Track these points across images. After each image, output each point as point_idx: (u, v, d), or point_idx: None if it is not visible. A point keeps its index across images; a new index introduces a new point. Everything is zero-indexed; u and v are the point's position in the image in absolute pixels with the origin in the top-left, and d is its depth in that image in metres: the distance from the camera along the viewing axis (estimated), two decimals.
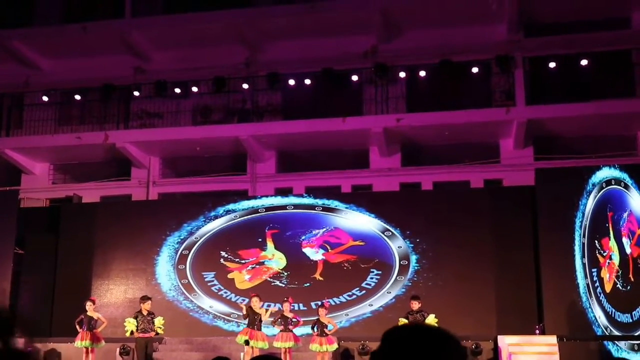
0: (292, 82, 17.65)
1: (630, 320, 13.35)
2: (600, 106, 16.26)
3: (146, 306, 13.34)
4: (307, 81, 17.58)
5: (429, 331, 2.07)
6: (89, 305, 13.50)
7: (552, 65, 16.72)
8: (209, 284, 15.59)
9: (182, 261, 15.80)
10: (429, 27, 17.38)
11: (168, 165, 19.06)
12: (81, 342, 13.22)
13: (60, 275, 16.06)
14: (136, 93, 18.38)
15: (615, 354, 12.87)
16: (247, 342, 12.44)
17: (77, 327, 13.32)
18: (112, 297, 15.79)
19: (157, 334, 13.34)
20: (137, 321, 13.15)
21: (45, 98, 18.57)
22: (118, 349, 14.35)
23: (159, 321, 13.36)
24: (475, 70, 17.08)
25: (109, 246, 16.06)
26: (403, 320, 12.46)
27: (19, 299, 15.94)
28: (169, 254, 15.86)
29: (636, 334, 13.27)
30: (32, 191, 18.74)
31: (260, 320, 12.81)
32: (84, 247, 16.04)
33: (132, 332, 13.16)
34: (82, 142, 18.03)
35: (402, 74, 17.37)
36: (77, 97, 18.48)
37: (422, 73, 17.25)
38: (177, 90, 18.02)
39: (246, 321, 12.86)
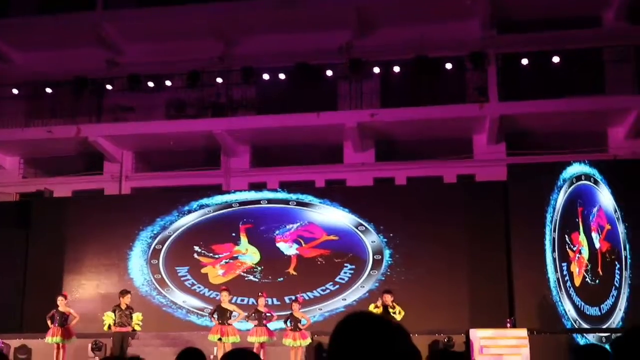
0: (266, 76, 17.61)
1: (599, 314, 13.57)
2: (572, 103, 16.46)
3: (125, 300, 13.25)
4: (282, 76, 17.55)
5: (387, 324, 2.08)
6: (60, 301, 13.36)
7: (524, 62, 16.89)
8: (182, 278, 15.53)
9: (155, 256, 15.71)
10: (403, 23, 17.46)
11: (141, 159, 18.92)
12: (52, 338, 13.08)
13: (31, 271, 15.88)
14: (109, 86, 18.19)
15: None
16: (219, 339, 12.46)
17: (49, 322, 13.18)
18: (84, 292, 15.66)
19: (134, 329, 13.24)
20: (114, 315, 13.06)
21: (15, 91, 18.30)
22: (90, 345, 14.24)
23: (137, 317, 13.26)
24: (449, 66, 17.19)
25: (81, 241, 15.91)
26: (373, 306, 12.56)
27: None
28: (142, 249, 15.76)
29: (604, 327, 13.50)
30: (1, 185, 18.47)
31: (231, 315, 12.79)
32: (55, 242, 15.88)
33: (109, 326, 13.05)
34: (53, 136, 17.81)
35: (377, 70, 17.42)
36: (49, 90, 18.23)
37: (397, 69, 17.34)
38: (151, 84, 17.87)
39: (216, 317, 12.86)
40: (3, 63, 18.82)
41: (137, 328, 13.31)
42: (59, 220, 16.13)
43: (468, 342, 13.18)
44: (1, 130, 18.23)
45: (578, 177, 14.18)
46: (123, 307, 13.22)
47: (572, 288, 13.63)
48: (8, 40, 18.59)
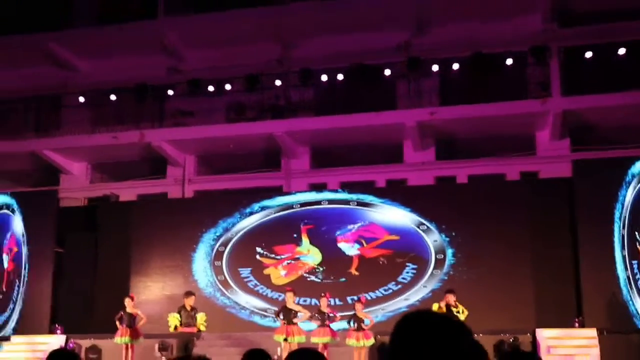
0: (324, 77, 17.66)
1: None
2: (637, 96, 15.93)
3: (189, 301, 13.47)
4: (340, 76, 17.57)
5: (449, 323, 2.02)
6: (127, 302, 13.70)
7: (588, 55, 16.45)
8: (245, 280, 15.70)
9: (219, 258, 15.93)
10: (461, 20, 17.24)
11: (203, 162, 19.23)
12: (121, 338, 13.42)
13: (99, 273, 16.33)
14: (170, 92, 18.56)
15: None
16: (285, 339, 12.55)
17: (117, 323, 13.52)
18: (150, 294, 16.00)
19: (199, 330, 13.45)
20: (180, 316, 13.29)
21: (81, 99, 18.86)
22: (157, 345, 14.52)
23: (201, 317, 13.47)
24: (509, 61, 16.88)
25: (146, 244, 16.27)
26: (436, 305, 12.43)
27: (60, 296, 16.23)
28: (206, 251, 16.00)
29: None
30: (70, 191, 19.06)
31: (296, 315, 12.87)
32: (122, 245, 16.28)
33: (175, 327, 13.29)
34: (118, 142, 18.27)
35: (435, 68, 17.25)
36: (113, 97, 18.72)
37: (456, 66, 17.11)
38: (211, 89, 18.14)
39: (282, 317, 12.95)
40: (69, 72, 19.42)
41: (202, 328, 13.50)
42: (125, 224, 16.53)
43: (535, 342, 12.92)
44: (69, 137, 18.81)
45: None
46: (188, 308, 13.45)
47: None
48: (73, 49, 19.16)
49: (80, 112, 19.03)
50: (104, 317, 14.72)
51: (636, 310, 13.07)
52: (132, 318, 13.57)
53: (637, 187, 13.64)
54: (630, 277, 13.20)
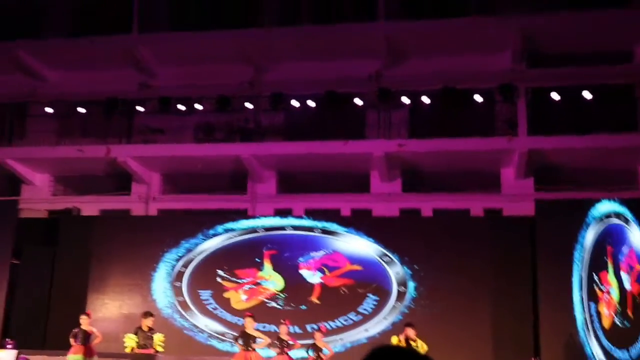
0: (295, 103, 17.71)
1: (628, 358, 13.27)
2: (602, 139, 16.28)
3: (147, 322, 13.25)
4: (311, 103, 17.64)
5: (418, 357, 2.04)
6: (83, 319, 13.44)
7: (555, 96, 16.79)
8: (204, 302, 15.53)
9: (179, 278, 15.75)
10: (433, 54, 17.49)
11: (169, 181, 19.07)
12: (74, 356, 13.14)
13: (55, 288, 16.01)
14: (140, 108, 18.41)
15: None
16: None
17: (72, 340, 13.24)
18: (107, 311, 15.72)
19: (156, 351, 13.23)
20: (137, 337, 13.07)
21: (49, 109, 18.60)
22: None
23: (158, 338, 13.24)
24: (478, 98, 17.15)
25: (106, 260, 16.01)
26: (396, 339, 12.43)
27: (14, 309, 15.84)
28: (166, 271, 15.81)
29: None
30: (31, 202, 18.70)
31: (255, 340, 12.76)
32: (81, 260, 16.00)
33: (132, 349, 13.06)
34: (83, 155, 18.02)
35: (406, 100, 17.43)
36: (81, 109, 18.51)
37: (425, 99, 17.31)
38: (181, 107, 18.06)
39: (241, 342, 12.84)
40: (38, 82, 19.15)
41: (159, 349, 13.28)
42: (85, 239, 16.27)
43: None
44: (33, 148, 18.51)
45: (608, 215, 13.99)
46: (145, 329, 13.23)
47: (600, 329, 13.36)
48: (43, 59, 18.94)
49: (47, 123, 18.75)
50: (58, 333, 14.45)
51: (592, 352, 13.23)
52: (87, 335, 13.31)
53: (596, 230, 13.89)
54: (587, 320, 13.37)
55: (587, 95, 16.63)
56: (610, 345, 13.30)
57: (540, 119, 17.31)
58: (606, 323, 13.42)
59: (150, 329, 13.29)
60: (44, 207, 18.76)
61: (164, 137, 18.46)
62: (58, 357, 14.09)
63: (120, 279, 15.94)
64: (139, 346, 13.04)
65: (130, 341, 13.13)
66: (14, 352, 14.39)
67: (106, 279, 15.97)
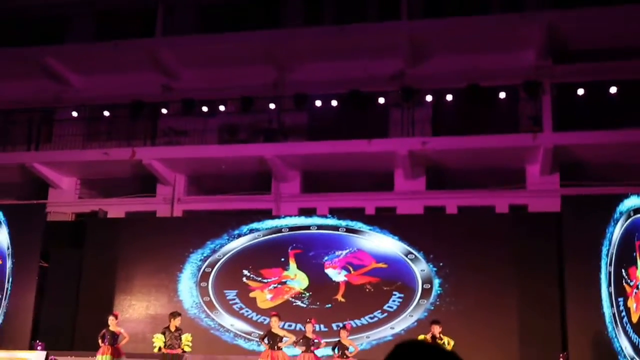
0: (318, 103, 17.74)
1: None
2: (628, 134, 16.10)
3: (175, 322, 13.31)
4: (334, 102, 17.66)
5: (442, 353, 2.03)
6: (111, 320, 13.56)
7: (580, 92, 16.63)
8: (230, 302, 15.59)
9: (205, 279, 15.84)
10: (456, 52, 17.44)
11: (193, 182, 19.20)
12: (102, 357, 13.26)
13: (83, 289, 16.17)
14: (164, 110, 18.58)
15: None
16: None
17: (100, 341, 13.37)
18: (134, 312, 15.85)
19: (184, 351, 13.30)
20: (164, 337, 13.16)
21: (74, 114, 18.84)
22: None
23: (186, 338, 13.30)
24: (502, 95, 17.06)
25: (133, 262, 16.15)
26: (422, 337, 12.35)
27: (43, 311, 16.04)
28: (192, 271, 15.90)
29: None
30: (58, 205, 18.95)
31: (281, 340, 12.79)
32: (108, 262, 16.16)
33: (159, 348, 13.14)
34: (109, 158, 18.23)
35: (429, 98, 17.38)
36: (106, 113, 18.72)
37: (449, 97, 17.24)
38: (205, 109, 18.19)
39: (267, 341, 12.88)
40: (64, 87, 19.43)
41: (187, 349, 13.35)
42: (112, 241, 16.43)
43: None
44: (60, 152, 18.77)
45: (636, 210, 13.80)
46: (172, 329, 13.30)
47: (629, 324, 13.19)
48: (68, 65, 19.19)
49: (73, 127, 19.01)
50: (87, 335, 14.60)
51: (620, 347, 13.06)
52: (115, 336, 13.44)
53: (624, 225, 13.72)
54: (616, 315, 13.21)
55: (612, 90, 16.45)
56: (639, 339, 13.12)
57: (566, 115, 17.16)
58: (634, 317, 13.25)
59: (178, 329, 13.36)
60: (71, 210, 19.03)
61: (188, 138, 18.61)
62: (87, 358, 14.25)
63: (147, 280, 16.07)
64: (167, 346, 13.12)
65: (158, 341, 13.20)
66: (44, 354, 14.57)
67: (133, 280, 16.11)
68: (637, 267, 13.45)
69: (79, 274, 16.31)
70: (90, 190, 19.72)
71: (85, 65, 19.09)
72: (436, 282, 14.75)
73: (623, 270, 13.46)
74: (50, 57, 18.83)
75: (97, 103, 18.86)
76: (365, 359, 13.61)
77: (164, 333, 13.27)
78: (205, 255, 15.96)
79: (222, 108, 18.21)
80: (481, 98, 17.13)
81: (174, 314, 13.54)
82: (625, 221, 13.74)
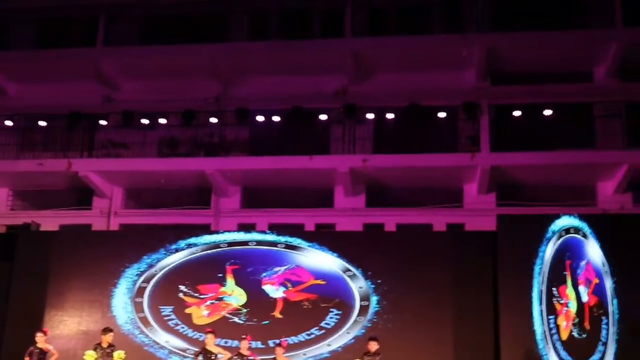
0: (260, 118, 17.71)
1: None
2: (562, 156, 16.57)
3: (107, 338, 13.05)
4: (276, 118, 17.66)
5: None
6: (39, 337, 13.13)
7: (517, 113, 17.06)
8: (165, 318, 15.31)
9: (140, 294, 15.51)
10: (399, 71, 17.71)
11: (131, 196, 18.85)
12: None
13: (12, 304, 15.62)
14: (103, 122, 18.24)
15: None
16: None
17: (27, 359, 12.93)
18: (65, 328, 15.39)
19: None
20: (96, 353, 12.84)
21: (8, 123, 18.33)
22: None
23: (118, 355, 13.03)
24: (442, 115, 17.36)
25: (65, 276, 15.69)
26: None
27: None
28: (127, 286, 15.55)
29: None
30: None
31: (215, 357, 12.62)
32: (39, 276, 15.65)
33: None
34: (44, 169, 17.77)
35: (371, 116, 17.56)
36: (42, 123, 18.26)
37: (390, 115, 17.46)
38: (145, 121, 17.94)
39: (201, 358, 12.69)
40: None
41: None
42: (44, 254, 15.92)
43: None
44: None
45: (567, 230, 14.17)
46: (105, 345, 13.03)
47: (558, 341, 13.49)
48: (5, 71, 18.69)
49: (6, 136, 18.49)
50: (14, 352, 14.09)
51: None
52: (43, 354, 12.99)
53: (556, 244, 14.06)
54: (547, 332, 13.50)
55: (548, 112, 16.93)
56: (568, 356, 13.44)
57: (503, 136, 17.55)
58: (564, 335, 13.57)
59: (110, 345, 13.09)
60: (2, 222, 18.42)
61: (127, 151, 18.31)
62: None
63: (80, 295, 15.63)
64: None
65: (89, 358, 12.90)
66: None
67: (65, 295, 15.64)
68: (567, 286, 13.80)
69: (7, 288, 15.75)
70: (23, 202, 19.15)
71: (23, 74, 18.65)
72: (374, 299, 14.79)
73: (554, 289, 13.78)
74: None
75: (34, 112, 18.39)
76: None
77: (95, 349, 12.98)
78: (141, 270, 15.64)
79: (162, 121, 18.00)
80: (422, 117, 17.41)
81: (106, 330, 13.25)
82: (557, 240, 14.09)
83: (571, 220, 14.24)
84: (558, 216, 14.30)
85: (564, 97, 17.18)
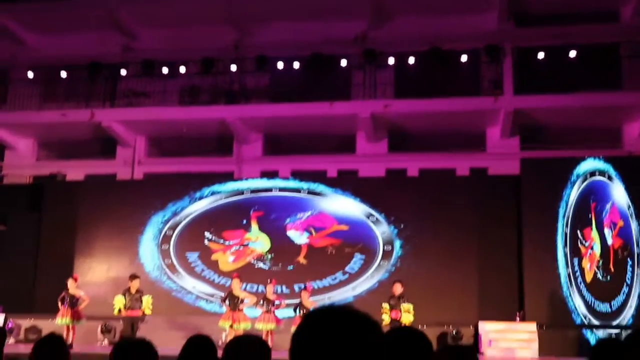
0: (280, 65, 17.58)
1: (610, 310, 13.51)
2: (587, 98, 16.33)
3: (135, 284, 13.25)
4: (296, 64, 17.52)
5: (349, 314, 1.93)
6: (70, 283, 13.44)
7: (540, 55, 16.77)
8: (192, 264, 15.57)
9: (166, 241, 15.76)
10: (419, 14, 17.39)
11: (154, 144, 18.96)
12: (62, 319, 13.16)
13: (42, 253, 15.98)
14: (123, 72, 18.21)
15: (593, 342, 13.04)
16: (230, 326, 12.54)
17: (59, 304, 13.26)
18: (95, 275, 15.73)
19: (144, 313, 13.25)
20: (125, 299, 13.09)
21: (30, 74, 18.36)
22: (100, 327, 14.33)
23: (147, 300, 13.24)
24: (464, 58, 17.11)
25: (93, 224, 15.97)
26: (386, 307, 12.50)
27: (1, 275, 15.82)
28: (153, 234, 15.81)
29: (614, 324, 13.44)
30: (15, 167, 18.58)
31: (242, 302, 12.85)
32: (67, 224, 15.94)
33: (119, 310, 13.08)
34: (67, 119, 17.87)
35: (391, 60, 17.35)
36: (63, 73, 18.28)
37: (411, 60, 17.25)
38: (165, 70, 17.89)
39: (228, 303, 12.93)
40: (19, 46, 18.88)
41: (148, 312, 13.31)
42: (71, 204, 16.18)
43: (477, 335, 13.18)
44: (16, 113, 18.32)
45: (592, 173, 14.09)
46: (133, 291, 13.24)
47: (583, 284, 13.57)
48: (23, 22, 18.64)
49: (29, 88, 18.54)
50: (46, 298, 14.45)
51: (575, 306, 13.45)
52: (75, 299, 13.31)
53: (581, 187, 14.00)
54: (571, 275, 13.57)
55: (572, 54, 16.62)
56: (592, 298, 13.52)
57: (526, 79, 17.32)
58: (588, 277, 13.63)
59: (138, 291, 13.31)
60: (29, 172, 18.65)
61: (148, 100, 18.31)
62: (46, 321, 14.14)
63: (107, 242, 15.92)
64: (127, 308, 13.07)
65: (118, 303, 13.13)
66: (2, 317, 14.41)
67: (93, 243, 15.95)
68: (592, 229, 13.79)
69: (37, 237, 16.08)
70: (49, 153, 19.34)
71: (41, 24, 18.56)
72: (397, 243, 14.90)
73: (579, 232, 13.79)
74: (4, 16, 18.25)
75: (54, 63, 18.38)
76: None
77: (124, 295, 13.21)
78: (166, 217, 15.86)
79: (182, 69, 17.93)
80: (443, 61, 17.17)
81: (133, 276, 13.47)
82: (582, 184, 14.02)
83: (596, 163, 14.14)
84: (583, 159, 14.20)
85: (590, 37, 16.82)
